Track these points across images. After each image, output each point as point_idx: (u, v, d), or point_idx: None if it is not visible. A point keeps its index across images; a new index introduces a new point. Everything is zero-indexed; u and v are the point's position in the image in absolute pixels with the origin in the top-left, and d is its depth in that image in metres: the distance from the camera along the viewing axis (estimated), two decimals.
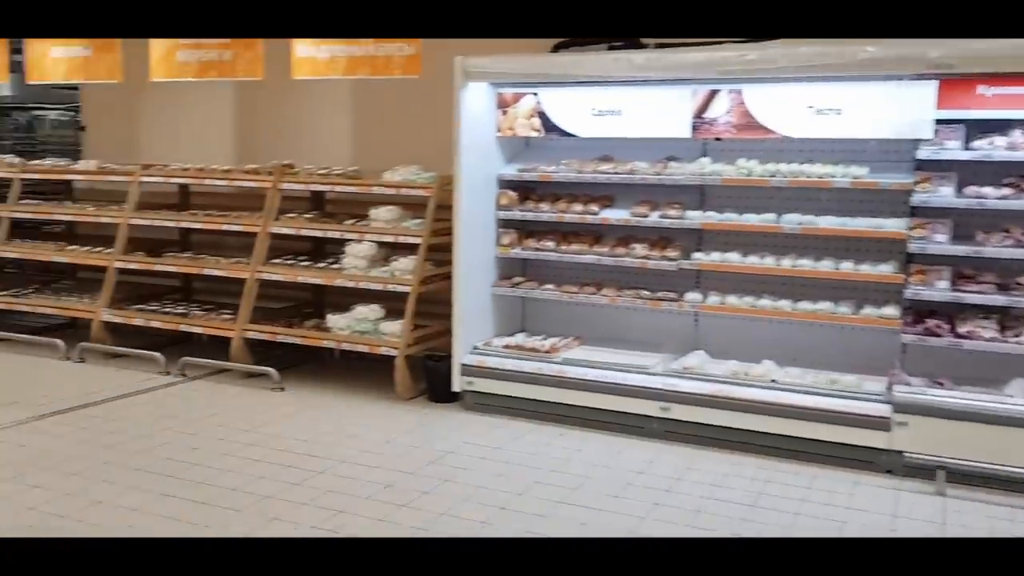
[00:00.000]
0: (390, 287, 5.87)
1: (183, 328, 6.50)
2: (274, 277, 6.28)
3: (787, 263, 5.02)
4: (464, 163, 5.44)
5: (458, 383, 5.55)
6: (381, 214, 6.03)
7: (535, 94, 5.53)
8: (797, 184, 5.02)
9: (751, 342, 5.31)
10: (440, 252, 5.81)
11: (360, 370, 6.22)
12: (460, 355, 5.53)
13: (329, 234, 6.26)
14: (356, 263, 6.04)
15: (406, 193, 5.95)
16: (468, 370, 5.51)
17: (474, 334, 5.64)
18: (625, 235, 5.52)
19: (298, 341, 6.10)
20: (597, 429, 5.17)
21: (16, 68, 7.67)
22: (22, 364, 6.60)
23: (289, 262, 6.38)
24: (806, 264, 4.98)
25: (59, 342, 6.74)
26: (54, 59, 7.12)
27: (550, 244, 5.60)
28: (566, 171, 5.53)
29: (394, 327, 5.80)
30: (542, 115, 5.52)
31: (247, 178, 6.59)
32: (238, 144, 7.51)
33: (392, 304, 5.93)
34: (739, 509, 4.13)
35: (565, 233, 5.66)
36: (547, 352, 5.44)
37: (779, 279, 5.19)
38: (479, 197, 5.61)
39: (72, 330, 7.17)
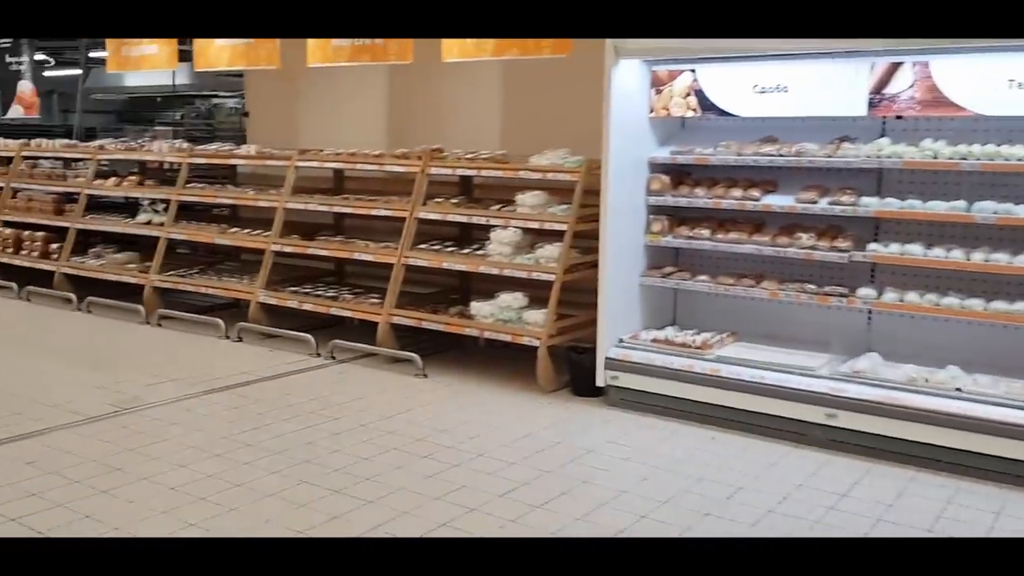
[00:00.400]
0: (534, 275, 5.67)
1: (333, 311, 6.57)
2: (420, 263, 6.22)
3: (979, 257, 4.42)
4: (613, 146, 5.14)
5: (602, 377, 5.29)
6: (527, 199, 5.83)
7: (692, 71, 5.15)
8: (992, 168, 4.42)
9: (933, 345, 4.74)
10: (587, 239, 5.54)
11: (503, 359, 6.07)
12: (605, 348, 5.26)
13: (474, 219, 6.12)
14: (501, 249, 5.87)
15: (552, 178, 5.72)
16: (613, 364, 5.23)
17: (620, 326, 5.34)
18: (789, 223, 5.06)
19: (441, 328, 6.01)
20: (752, 434, 4.77)
21: (186, 57, 8.02)
22: (185, 342, 6.89)
23: (435, 247, 6.30)
24: (1001, 259, 4.37)
25: (219, 321, 6.99)
26: (218, 47, 7.37)
27: (705, 232, 5.22)
28: (725, 154, 5.12)
29: (537, 316, 5.60)
30: (699, 93, 5.14)
31: (396, 162, 6.57)
32: (391, 128, 7.52)
33: (537, 292, 5.73)
34: (915, 534, 3.65)
35: (722, 221, 5.26)
36: (699, 348, 5.08)
37: (969, 275, 4.60)
38: (628, 182, 5.30)
39: (236, 309, 7.42)
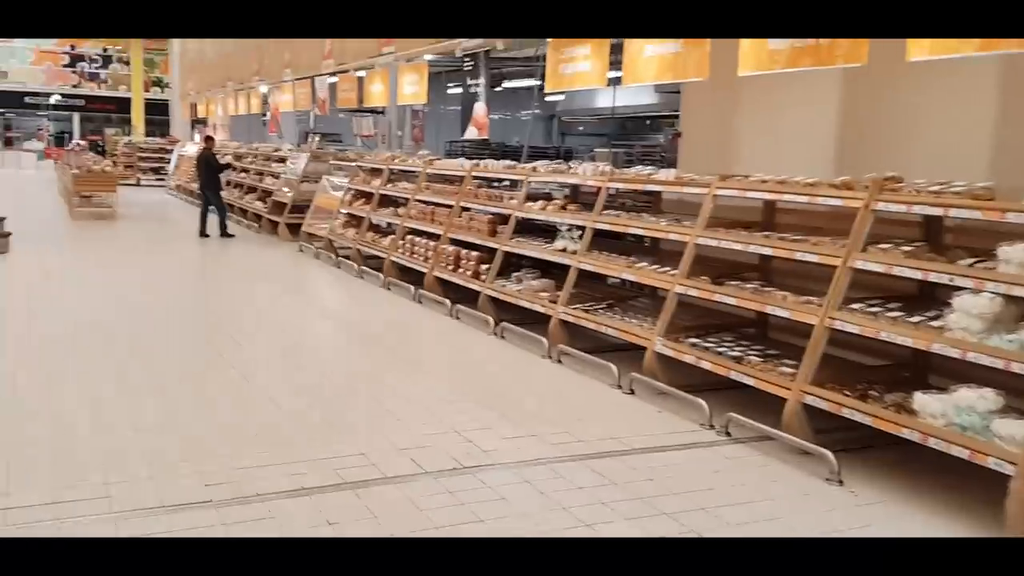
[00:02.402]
0: (1016, 366, 3.85)
1: (733, 375, 5.34)
2: (848, 327, 4.72)
3: None
4: None
5: None
6: (1015, 254, 4.01)
7: None
8: None
9: None
10: None
11: (961, 473, 4.27)
12: None
13: (931, 277, 4.43)
14: (967, 323, 4.13)
15: None
16: None
17: None
18: None
19: (868, 423, 4.44)
20: None
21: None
22: (574, 384, 6.23)
23: (874, 308, 4.72)
24: None
25: (612, 367, 6.19)
26: (645, 59, 6.58)
27: None
28: None
29: (1015, 429, 3.77)
30: None
31: (832, 193, 5.10)
32: (840, 149, 6.05)
33: (1019, 390, 3.89)
34: None
35: None
36: None
37: None
38: None
39: (637, 352, 6.58)
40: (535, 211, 7.88)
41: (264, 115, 17.91)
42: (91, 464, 4.30)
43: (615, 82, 8.45)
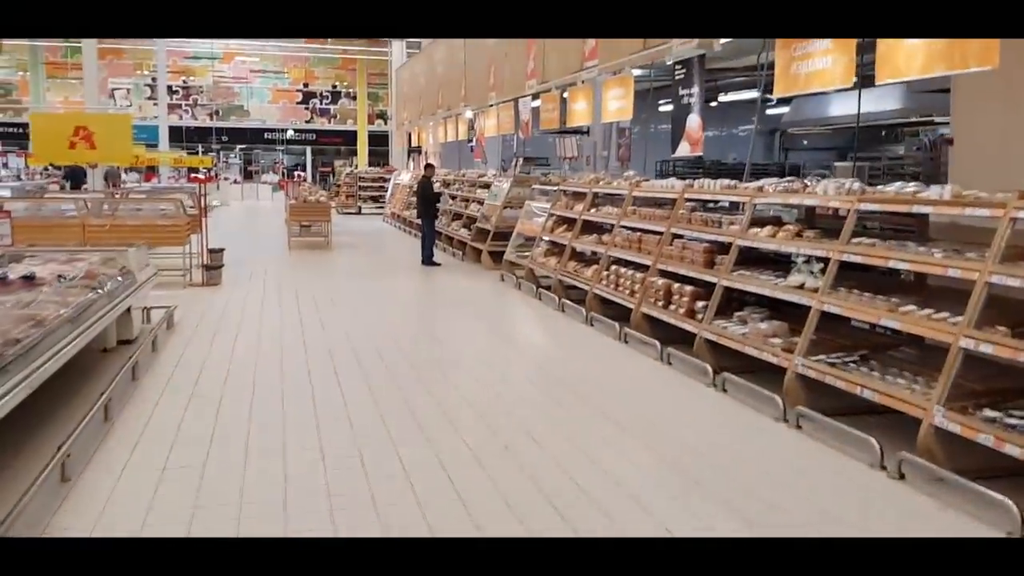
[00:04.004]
0: None
1: None
2: None
3: None
4: None
5: None
6: None
7: None
8: None
9: None
10: None
11: None
12: None
13: None
14: None
15: None
16: None
17: None
18: None
19: None
20: None
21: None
22: (815, 464, 4.90)
23: None
24: None
25: (872, 442, 4.82)
26: (907, 49, 5.19)
27: None
28: None
29: None
30: None
31: None
32: None
33: None
34: None
35: None
36: None
37: None
38: None
39: (906, 418, 5.16)
40: (762, 238, 6.61)
41: (471, 141, 17.62)
42: None
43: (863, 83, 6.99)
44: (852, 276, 5.88)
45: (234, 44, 39.00)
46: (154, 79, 35.76)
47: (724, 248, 7.21)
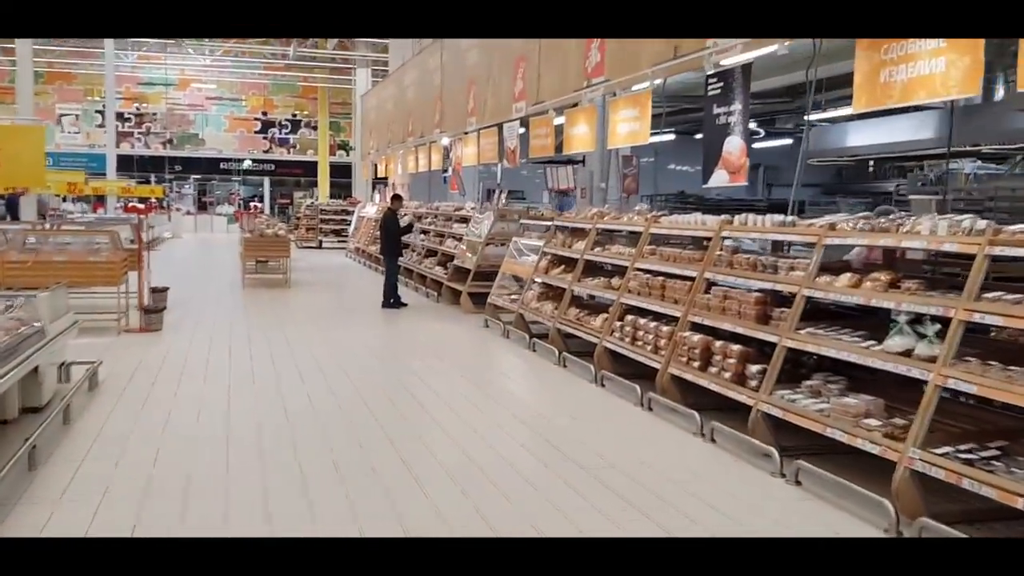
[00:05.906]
0: None
1: None
2: None
3: None
4: None
5: None
6: None
7: None
8: None
9: None
10: None
11: None
12: None
13: None
14: None
15: None
16: None
17: None
18: None
19: None
20: None
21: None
22: None
23: None
24: None
25: None
26: None
27: None
28: None
29: None
30: None
31: None
32: None
33: None
34: None
35: None
36: None
37: None
38: None
39: None
40: (840, 288, 5.27)
41: (445, 171, 16.22)
42: None
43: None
44: (966, 339, 4.55)
45: (190, 71, 37.39)
46: (105, 105, 33.93)
47: (780, 298, 5.88)
